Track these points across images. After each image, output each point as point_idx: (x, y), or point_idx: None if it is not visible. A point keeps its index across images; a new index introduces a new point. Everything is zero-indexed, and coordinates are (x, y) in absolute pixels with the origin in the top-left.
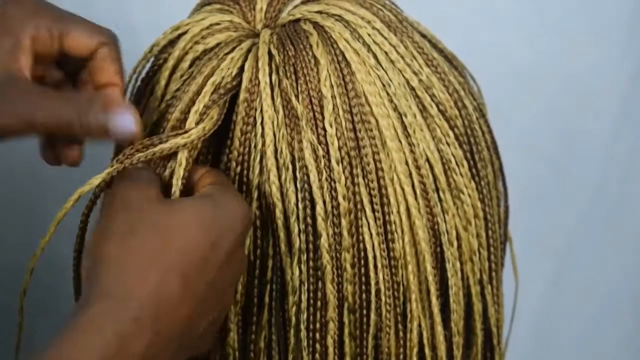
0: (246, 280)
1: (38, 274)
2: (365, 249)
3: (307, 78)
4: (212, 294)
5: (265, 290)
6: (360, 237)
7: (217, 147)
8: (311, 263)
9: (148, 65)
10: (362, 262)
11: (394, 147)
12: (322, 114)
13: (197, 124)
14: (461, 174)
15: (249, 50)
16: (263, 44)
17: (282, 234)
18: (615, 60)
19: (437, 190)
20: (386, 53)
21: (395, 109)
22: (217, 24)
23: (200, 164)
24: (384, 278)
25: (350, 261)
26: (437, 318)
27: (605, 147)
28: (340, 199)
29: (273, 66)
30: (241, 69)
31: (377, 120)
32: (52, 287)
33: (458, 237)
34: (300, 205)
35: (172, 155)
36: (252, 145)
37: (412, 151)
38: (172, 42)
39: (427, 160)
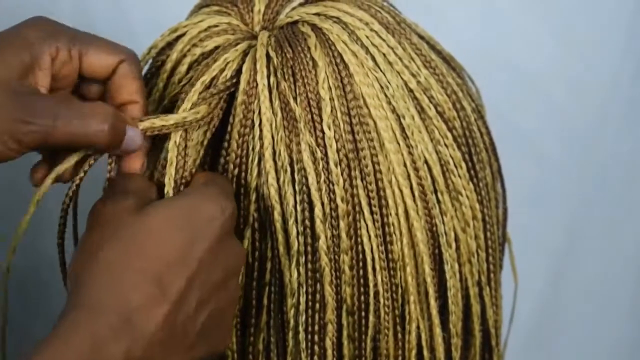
0: (244, 282)
1: (40, 273)
2: (363, 251)
3: (305, 80)
4: (199, 290)
5: (264, 292)
6: (359, 239)
7: (216, 150)
8: (310, 265)
9: (146, 68)
10: (361, 264)
11: (392, 149)
12: (320, 116)
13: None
14: (459, 176)
15: (245, 52)
16: (261, 46)
17: (280, 236)
18: (615, 62)
19: (435, 191)
20: (384, 55)
21: (394, 110)
22: (215, 26)
23: (200, 168)
24: (382, 280)
25: (348, 263)
26: (436, 320)
27: (607, 149)
28: (338, 201)
29: (271, 68)
30: (238, 71)
31: (375, 122)
32: (53, 286)
33: (456, 239)
34: (298, 208)
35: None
36: (250, 148)
37: (410, 153)
38: (170, 45)
39: (426, 161)
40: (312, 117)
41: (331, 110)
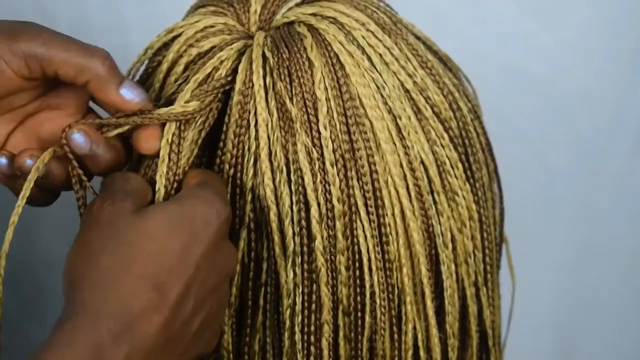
0: (240, 282)
1: (34, 269)
2: (359, 252)
3: (302, 80)
4: (195, 294)
5: (260, 292)
6: (355, 240)
7: (212, 150)
8: (306, 266)
9: (142, 68)
10: (357, 264)
11: (388, 150)
12: (316, 116)
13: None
14: (456, 176)
15: (241, 52)
16: (257, 47)
17: (276, 237)
18: (625, 66)
19: (431, 192)
20: (380, 55)
21: (390, 111)
22: (212, 26)
23: (195, 167)
24: (378, 280)
25: (344, 264)
26: (432, 320)
27: (622, 162)
28: (334, 201)
29: (267, 69)
30: (234, 70)
31: (371, 123)
32: (46, 282)
33: (453, 239)
34: (294, 208)
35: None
36: (246, 148)
37: (406, 153)
38: (166, 45)
39: (422, 162)
40: (308, 118)
41: (327, 111)
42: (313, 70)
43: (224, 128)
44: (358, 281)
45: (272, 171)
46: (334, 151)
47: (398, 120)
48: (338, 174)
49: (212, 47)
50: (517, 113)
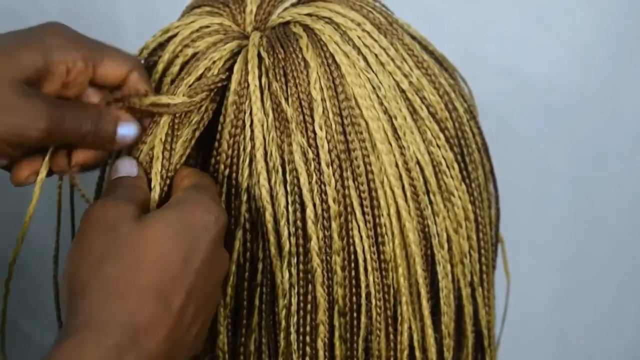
0: (236, 283)
1: (29, 264)
2: (355, 252)
3: (297, 81)
4: (194, 301)
5: (255, 293)
6: (351, 240)
7: (207, 150)
8: (301, 266)
9: None
10: (353, 264)
11: (384, 150)
12: (312, 116)
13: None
14: (452, 177)
15: (236, 52)
16: (252, 47)
17: (272, 237)
18: (625, 68)
19: (427, 192)
20: (376, 55)
21: (386, 111)
22: (207, 26)
23: (188, 166)
24: (374, 281)
25: (340, 264)
26: (428, 320)
27: (620, 162)
28: (330, 201)
29: (263, 69)
30: (228, 69)
31: (367, 123)
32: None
33: (449, 240)
34: (290, 208)
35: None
36: (241, 148)
37: (402, 154)
38: (162, 45)
39: (418, 162)
40: (304, 118)
41: (323, 111)
42: (309, 71)
43: (219, 128)
44: (354, 281)
45: (268, 171)
46: (329, 151)
47: (394, 120)
48: (334, 175)
49: (208, 47)
50: (515, 113)
